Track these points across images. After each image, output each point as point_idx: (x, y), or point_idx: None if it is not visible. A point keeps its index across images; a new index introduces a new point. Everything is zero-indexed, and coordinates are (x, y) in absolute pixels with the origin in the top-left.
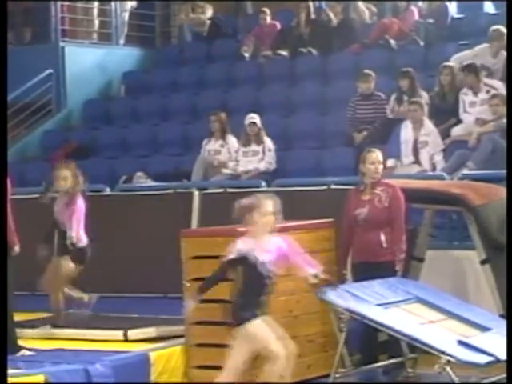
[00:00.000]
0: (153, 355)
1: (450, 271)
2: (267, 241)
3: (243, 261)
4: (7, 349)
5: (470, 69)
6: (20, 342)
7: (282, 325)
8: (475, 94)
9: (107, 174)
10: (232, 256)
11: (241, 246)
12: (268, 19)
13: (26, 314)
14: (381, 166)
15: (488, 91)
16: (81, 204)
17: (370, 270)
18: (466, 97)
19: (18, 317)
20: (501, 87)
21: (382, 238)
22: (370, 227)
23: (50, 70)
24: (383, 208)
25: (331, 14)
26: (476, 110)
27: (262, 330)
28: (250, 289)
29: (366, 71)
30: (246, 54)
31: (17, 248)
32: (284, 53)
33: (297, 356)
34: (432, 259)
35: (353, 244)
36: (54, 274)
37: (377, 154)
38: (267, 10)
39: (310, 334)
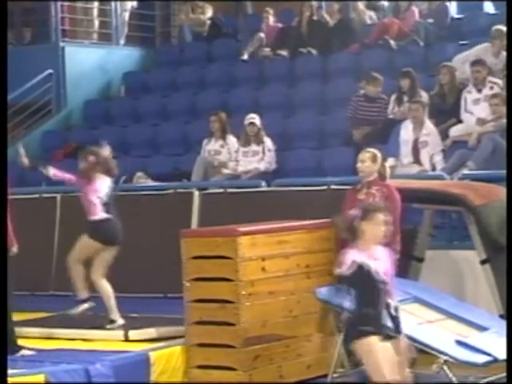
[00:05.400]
0: (153, 355)
1: (450, 271)
2: (376, 250)
3: (359, 271)
4: (7, 349)
5: (481, 64)
6: (20, 342)
7: (282, 325)
8: (479, 91)
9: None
10: (348, 268)
11: (354, 256)
12: (271, 18)
13: (26, 313)
14: (366, 165)
15: (492, 87)
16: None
17: None
18: (470, 95)
19: (17, 317)
20: (504, 85)
21: None
22: None
23: (50, 70)
24: None
25: (326, 15)
26: (480, 107)
27: (375, 352)
28: (366, 300)
29: (375, 74)
30: (245, 56)
31: (14, 249)
32: (284, 53)
33: (297, 356)
34: (432, 259)
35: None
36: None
37: (363, 153)
38: (270, 10)
39: (310, 334)
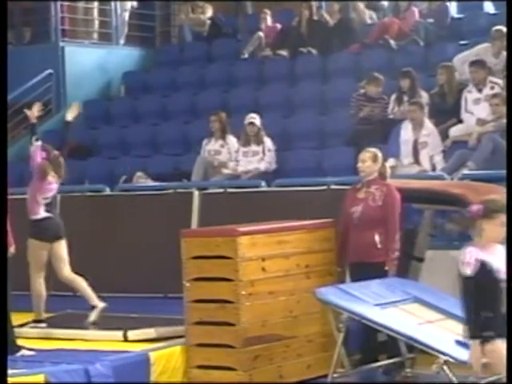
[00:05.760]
0: (153, 355)
1: (450, 271)
2: (495, 248)
3: (481, 270)
4: (7, 349)
5: (481, 64)
6: (20, 342)
7: (282, 325)
8: (480, 90)
9: (107, 173)
10: (472, 268)
11: (476, 254)
12: (268, 19)
13: (26, 314)
14: (366, 164)
15: (492, 87)
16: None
17: (365, 270)
18: (470, 94)
19: (17, 317)
20: (504, 85)
21: (377, 238)
22: (364, 226)
23: (50, 70)
24: (376, 207)
25: (326, 15)
26: (480, 107)
27: (502, 354)
28: (487, 301)
29: (376, 75)
30: (246, 55)
31: (12, 249)
32: (284, 53)
33: (297, 356)
34: (432, 259)
35: (349, 243)
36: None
37: (364, 153)
38: (267, 11)
39: (310, 334)
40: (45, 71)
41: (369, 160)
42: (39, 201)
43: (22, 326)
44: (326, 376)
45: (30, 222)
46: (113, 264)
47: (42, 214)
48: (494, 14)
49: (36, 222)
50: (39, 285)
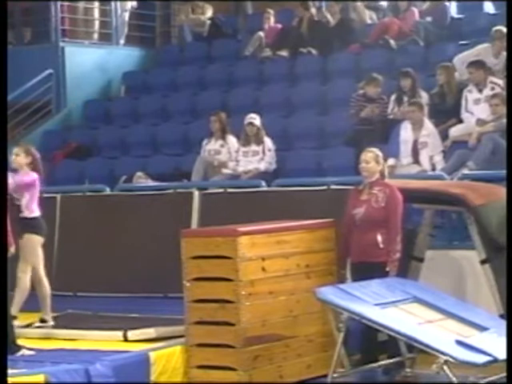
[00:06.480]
0: (153, 355)
1: (450, 271)
2: None
3: None
4: (7, 349)
5: (478, 65)
6: (20, 342)
7: (281, 325)
8: (480, 91)
9: (107, 173)
10: None
11: None
12: (272, 19)
13: (26, 314)
14: (370, 165)
15: (493, 88)
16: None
17: (367, 270)
18: (471, 94)
19: (18, 317)
20: (505, 86)
21: (379, 238)
22: (366, 227)
23: (50, 70)
24: (379, 208)
25: (328, 15)
26: (480, 107)
27: None
28: None
29: (375, 75)
30: (247, 53)
31: (12, 249)
32: (284, 53)
33: (297, 356)
34: (432, 259)
35: (351, 244)
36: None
37: (366, 154)
38: (271, 11)
39: (310, 334)
40: (45, 71)
41: (372, 161)
42: (36, 199)
43: (26, 326)
44: (326, 376)
45: (29, 220)
46: (113, 264)
47: (37, 211)
48: (494, 14)
49: (35, 219)
50: (28, 280)
